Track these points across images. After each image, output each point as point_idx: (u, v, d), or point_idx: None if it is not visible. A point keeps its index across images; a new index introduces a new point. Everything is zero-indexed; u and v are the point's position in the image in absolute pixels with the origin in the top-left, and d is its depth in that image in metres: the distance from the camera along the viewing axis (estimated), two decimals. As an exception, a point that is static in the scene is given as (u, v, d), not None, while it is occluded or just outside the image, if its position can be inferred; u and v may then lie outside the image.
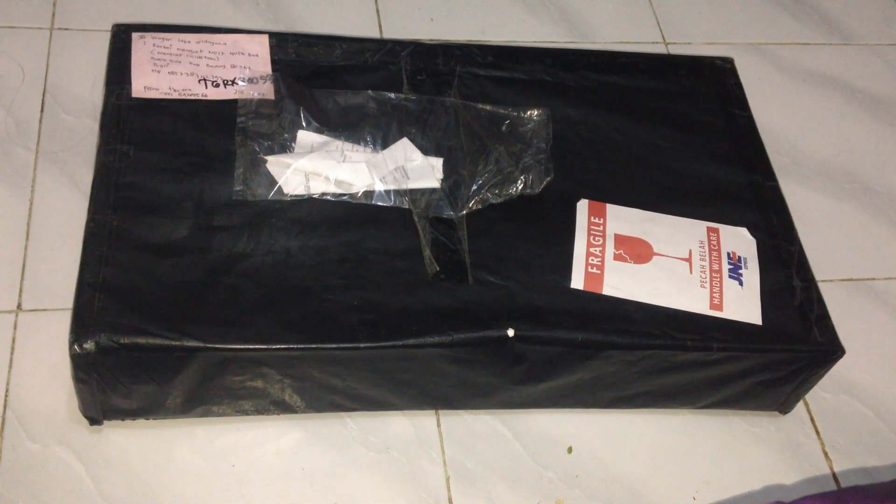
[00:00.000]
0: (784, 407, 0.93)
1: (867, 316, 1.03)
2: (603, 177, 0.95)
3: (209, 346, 0.78)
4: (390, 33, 1.18)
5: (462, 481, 0.86)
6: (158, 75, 0.93)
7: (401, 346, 0.80)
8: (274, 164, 0.88)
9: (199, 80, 0.93)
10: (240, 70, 0.95)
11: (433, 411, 0.89)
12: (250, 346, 0.78)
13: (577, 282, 0.86)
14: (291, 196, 0.87)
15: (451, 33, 1.19)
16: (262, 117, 0.91)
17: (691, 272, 0.89)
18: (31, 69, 1.05)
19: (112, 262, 0.80)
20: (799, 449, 0.93)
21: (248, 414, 0.86)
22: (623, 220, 0.91)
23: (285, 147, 0.90)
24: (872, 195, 1.14)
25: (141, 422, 0.84)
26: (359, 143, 0.91)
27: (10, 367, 0.85)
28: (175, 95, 0.92)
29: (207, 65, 0.95)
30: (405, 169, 0.90)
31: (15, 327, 0.88)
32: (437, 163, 0.92)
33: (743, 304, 0.88)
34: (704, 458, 0.90)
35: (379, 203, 0.88)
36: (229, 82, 0.94)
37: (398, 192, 0.89)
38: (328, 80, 0.96)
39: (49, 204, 0.95)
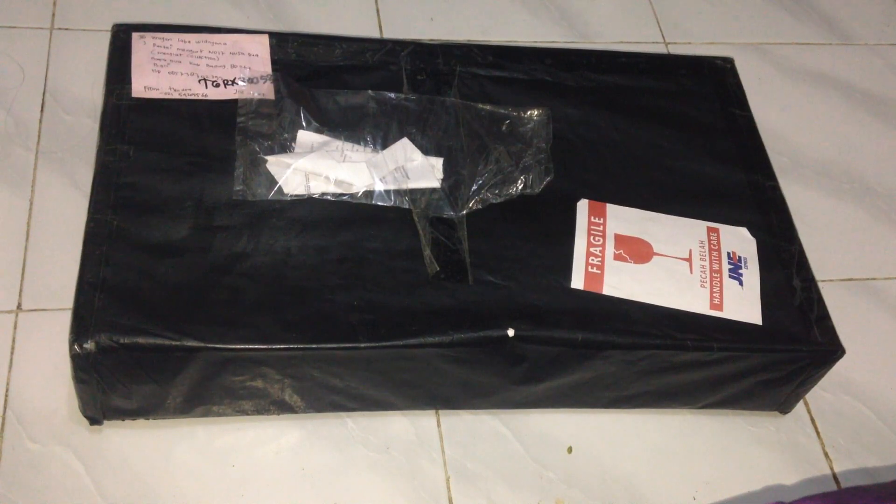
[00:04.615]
0: (784, 407, 0.93)
1: (867, 316, 1.03)
2: (603, 177, 0.95)
3: (209, 346, 0.78)
4: (390, 33, 1.18)
5: (462, 481, 0.86)
6: (158, 75, 0.93)
7: (401, 346, 0.80)
8: (274, 164, 0.88)
9: (200, 80, 0.93)
10: (240, 70, 0.95)
11: (433, 411, 0.89)
12: (250, 346, 0.78)
13: (577, 282, 0.86)
14: (291, 196, 0.87)
15: (451, 33, 1.19)
16: (262, 117, 0.91)
17: (691, 272, 0.89)
18: (31, 69, 1.05)
19: (112, 262, 0.80)
20: (799, 449, 0.93)
21: (248, 414, 0.85)
22: (623, 220, 0.91)
23: (285, 147, 0.90)
24: (872, 195, 1.14)
25: (141, 422, 0.84)
26: (359, 143, 0.91)
27: (10, 367, 0.85)
28: (175, 95, 0.92)
29: (207, 65, 0.95)
30: (405, 169, 0.90)
31: (15, 327, 0.88)
32: (437, 163, 0.92)
33: (743, 304, 0.88)
34: (704, 458, 0.90)
35: (379, 203, 0.88)
36: (229, 82, 0.94)
37: (398, 192, 0.89)
38: (328, 80, 0.96)
39: (49, 204, 0.95)
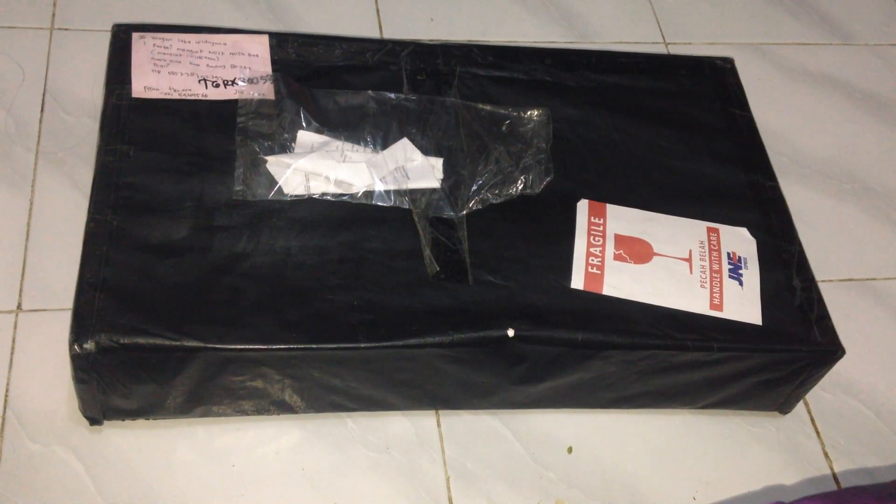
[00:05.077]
0: (784, 407, 0.93)
1: (867, 316, 1.03)
2: (603, 177, 0.95)
3: (209, 346, 0.78)
4: (390, 33, 1.18)
5: (462, 481, 0.86)
6: (158, 75, 0.93)
7: (401, 346, 0.80)
8: (274, 164, 0.88)
9: (200, 80, 0.93)
10: (240, 70, 0.95)
11: (433, 411, 0.89)
12: (250, 346, 0.78)
13: (577, 282, 0.86)
14: (291, 196, 0.87)
15: (451, 33, 1.19)
16: (262, 117, 0.91)
17: (691, 272, 0.89)
18: (31, 69, 1.05)
19: (112, 262, 0.80)
20: (799, 449, 0.93)
21: (248, 414, 0.85)
22: (623, 220, 0.91)
23: (285, 147, 0.90)
24: (872, 195, 1.14)
25: (141, 422, 0.84)
26: (359, 143, 0.91)
27: (10, 367, 0.85)
28: (175, 95, 0.92)
29: (207, 65, 0.95)
30: (405, 169, 0.90)
31: (15, 327, 0.88)
32: (437, 163, 0.92)
33: (743, 304, 0.88)
34: (704, 459, 0.90)
35: (379, 203, 0.88)
36: (229, 82, 0.94)
37: (398, 192, 0.89)
38: (328, 80, 0.96)
39: (49, 204, 0.95)
